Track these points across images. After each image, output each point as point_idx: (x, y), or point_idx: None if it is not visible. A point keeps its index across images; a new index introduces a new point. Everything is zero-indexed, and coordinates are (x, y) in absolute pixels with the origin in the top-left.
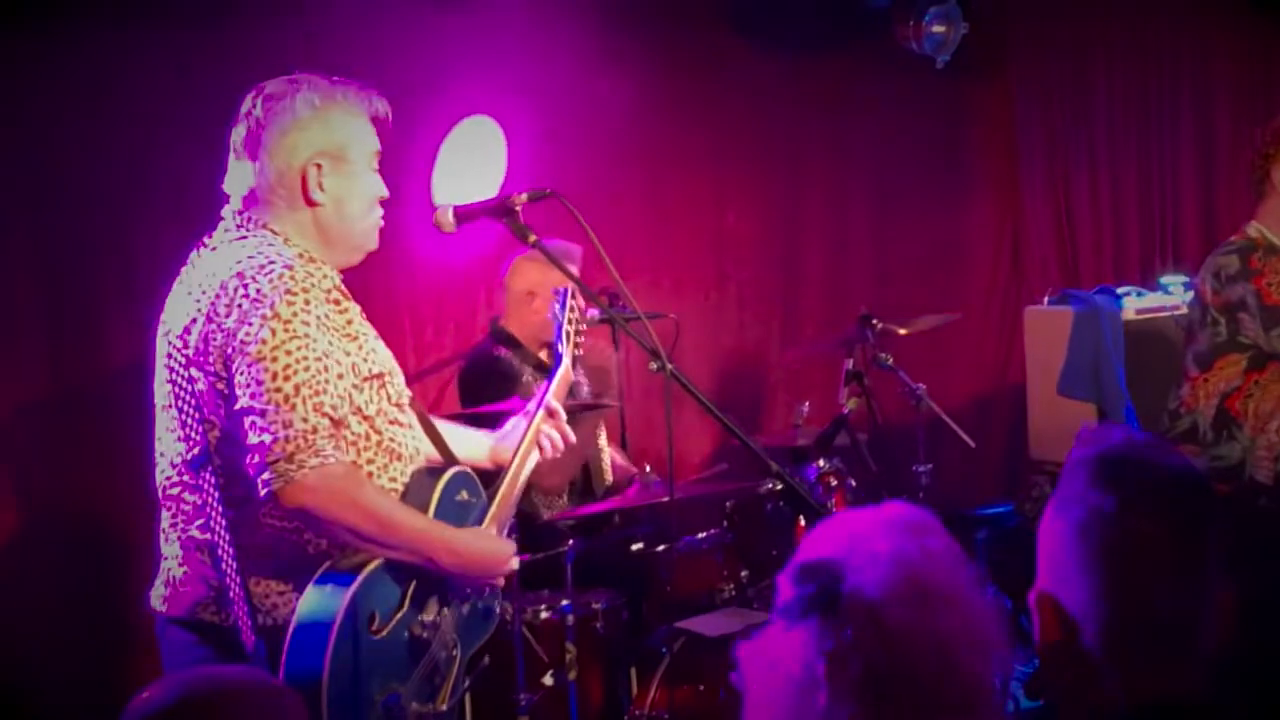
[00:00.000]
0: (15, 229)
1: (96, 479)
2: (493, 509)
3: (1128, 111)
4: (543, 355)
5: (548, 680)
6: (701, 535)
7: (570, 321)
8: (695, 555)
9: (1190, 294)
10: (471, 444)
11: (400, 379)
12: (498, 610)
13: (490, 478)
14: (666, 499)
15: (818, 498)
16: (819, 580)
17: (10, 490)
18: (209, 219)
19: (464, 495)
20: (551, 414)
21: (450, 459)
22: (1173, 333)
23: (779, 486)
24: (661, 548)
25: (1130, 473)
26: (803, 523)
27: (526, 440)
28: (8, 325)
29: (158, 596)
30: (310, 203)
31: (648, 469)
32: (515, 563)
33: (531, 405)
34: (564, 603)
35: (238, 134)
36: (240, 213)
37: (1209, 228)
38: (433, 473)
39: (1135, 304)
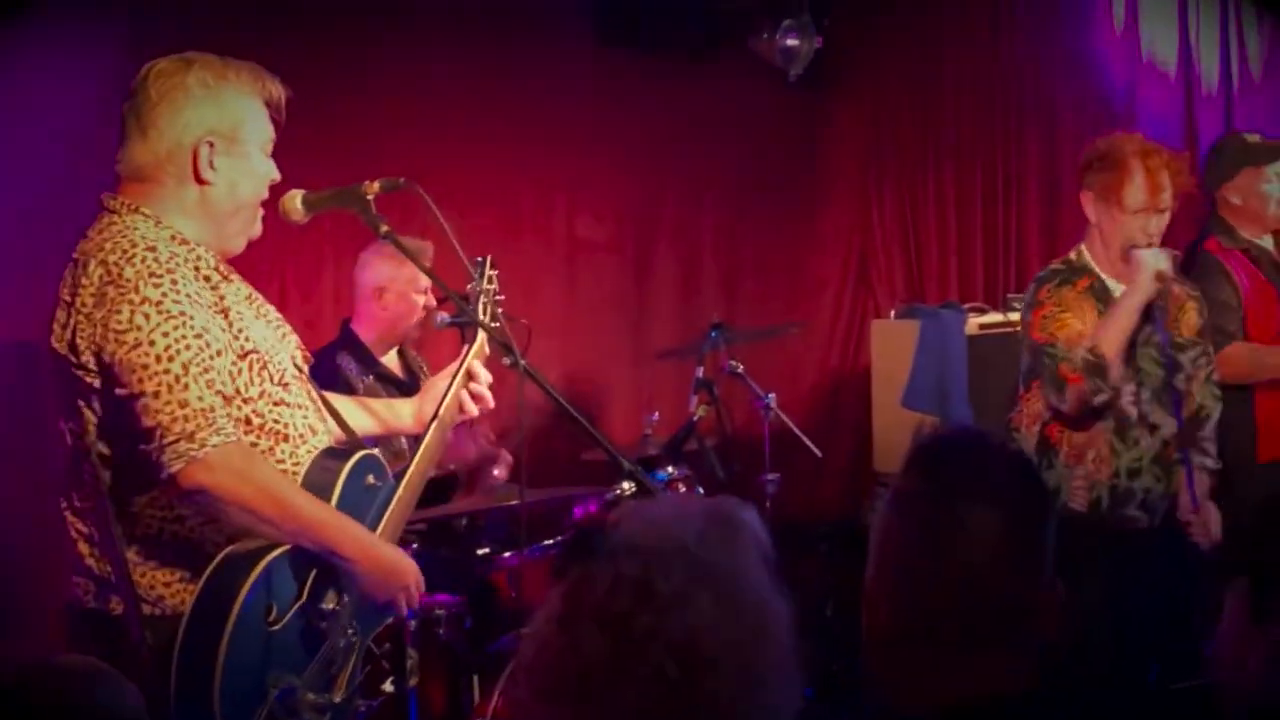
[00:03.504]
0: None
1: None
2: (400, 490)
3: (975, 132)
4: (389, 360)
5: (387, 687)
6: (549, 542)
7: (487, 293)
8: (543, 562)
9: None
10: (391, 412)
11: (281, 358)
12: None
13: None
14: (515, 503)
15: None
16: (585, 537)
17: None
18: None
19: (370, 479)
20: (471, 377)
21: (354, 440)
22: (1015, 349)
23: (629, 492)
24: (508, 554)
25: (964, 463)
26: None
27: (446, 402)
28: None
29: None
30: (200, 181)
31: (495, 472)
32: (419, 583)
33: (451, 367)
34: (408, 609)
35: (129, 110)
36: (116, 195)
37: (1052, 248)
38: (337, 455)
39: (979, 319)
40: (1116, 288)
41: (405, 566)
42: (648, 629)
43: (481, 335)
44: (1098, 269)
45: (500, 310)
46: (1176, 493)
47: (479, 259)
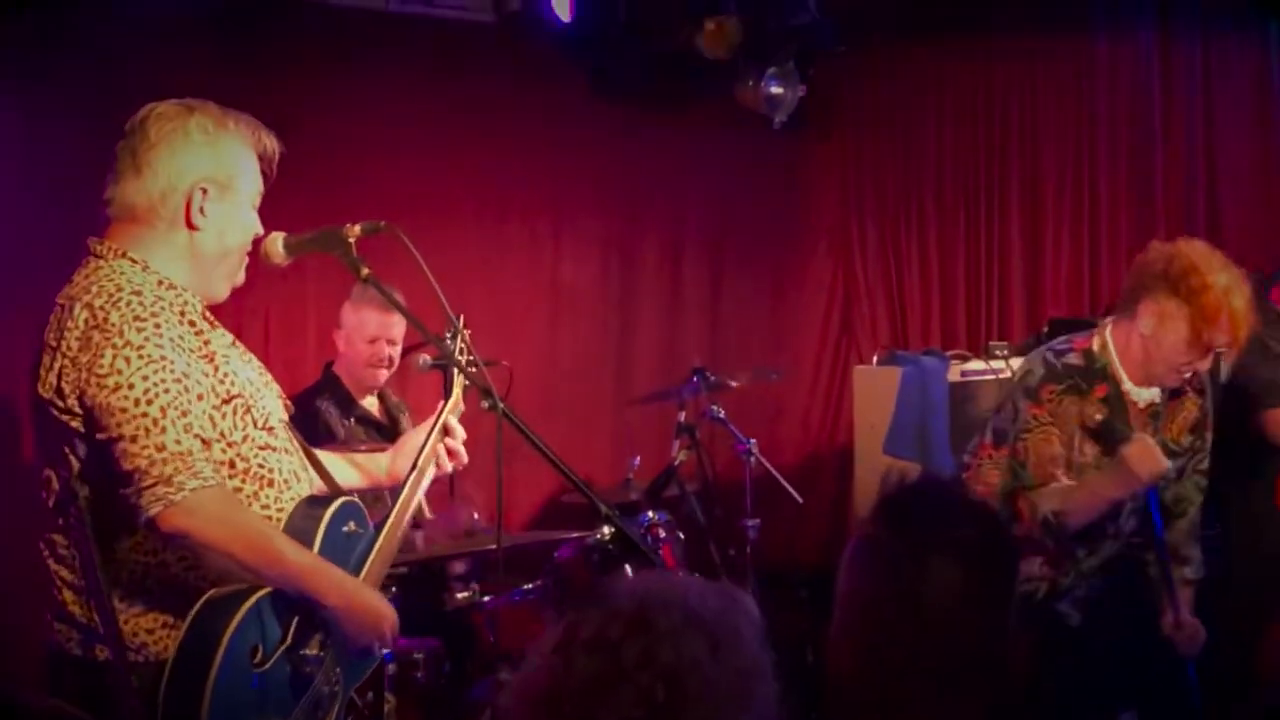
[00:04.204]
0: None
1: None
2: (380, 539)
3: (958, 177)
4: (369, 403)
5: None
6: (528, 586)
7: (460, 351)
8: (521, 606)
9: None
10: (373, 464)
11: (267, 403)
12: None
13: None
14: (493, 548)
15: (647, 546)
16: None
17: None
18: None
19: (351, 526)
20: (447, 431)
21: (335, 488)
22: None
23: (608, 536)
24: (487, 598)
25: (929, 512)
26: (629, 571)
27: (423, 456)
28: None
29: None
30: (191, 226)
31: (474, 516)
32: (395, 629)
33: (427, 422)
34: (384, 651)
35: (125, 148)
36: (103, 240)
37: (1034, 295)
38: (318, 503)
39: (961, 366)
40: (1136, 393)
41: (383, 612)
42: (639, 656)
43: (457, 391)
44: (1121, 372)
45: (473, 363)
46: (1129, 594)
47: (453, 317)
